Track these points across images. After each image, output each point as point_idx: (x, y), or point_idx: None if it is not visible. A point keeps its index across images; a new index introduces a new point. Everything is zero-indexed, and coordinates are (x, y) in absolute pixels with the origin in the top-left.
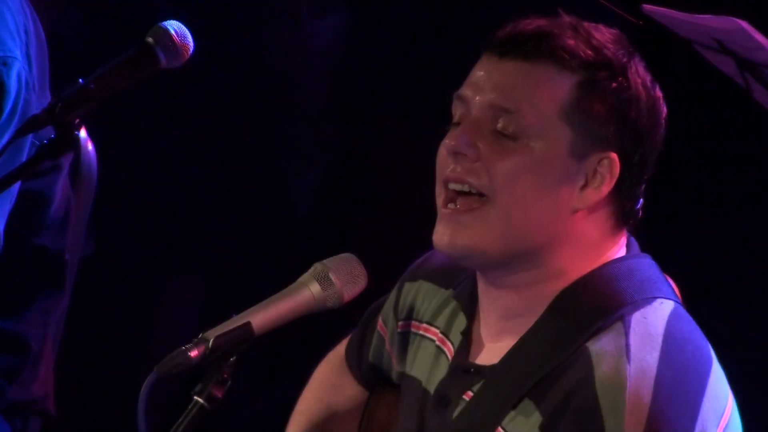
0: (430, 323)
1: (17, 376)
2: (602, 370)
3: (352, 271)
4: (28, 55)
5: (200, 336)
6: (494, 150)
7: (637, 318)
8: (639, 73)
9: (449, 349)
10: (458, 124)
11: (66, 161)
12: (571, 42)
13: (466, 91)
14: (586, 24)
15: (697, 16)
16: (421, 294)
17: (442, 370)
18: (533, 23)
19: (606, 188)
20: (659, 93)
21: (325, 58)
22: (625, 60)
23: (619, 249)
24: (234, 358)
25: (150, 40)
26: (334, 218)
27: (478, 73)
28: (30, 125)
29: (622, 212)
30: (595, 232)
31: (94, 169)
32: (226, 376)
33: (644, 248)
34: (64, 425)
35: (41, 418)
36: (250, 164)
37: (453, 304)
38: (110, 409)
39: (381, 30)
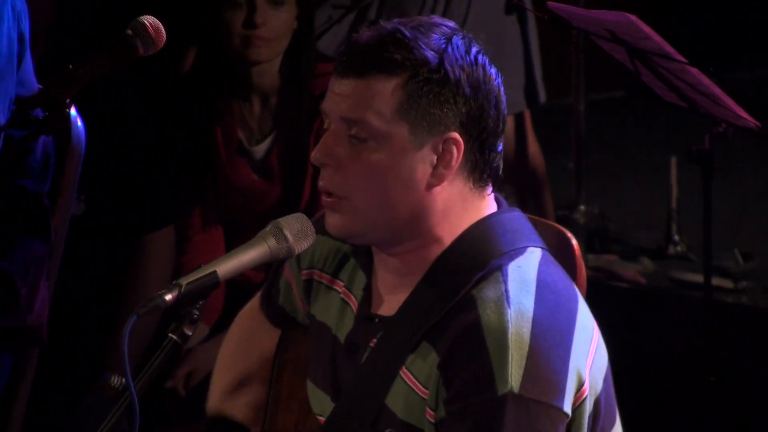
0: (334, 276)
1: (8, 307)
2: (487, 314)
3: (303, 228)
4: None
5: (174, 282)
6: (350, 154)
7: (512, 267)
8: (459, 56)
9: (353, 302)
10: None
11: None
12: (391, 51)
13: (324, 106)
14: (405, 27)
15: (593, 11)
16: (318, 246)
17: (349, 320)
18: (363, 41)
19: (455, 164)
20: (481, 60)
21: (273, 46)
22: (442, 47)
23: (488, 206)
24: (203, 301)
25: (129, 32)
26: (289, 179)
27: (331, 90)
28: (31, 101)
29: (479, 175)
30: (456, 198)
31: (82, 142)
32: (196, 316)
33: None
34: (58, 355)
35: (38, 347)
36: (210, 134)
37: (352, 261)
38: (97, 344)
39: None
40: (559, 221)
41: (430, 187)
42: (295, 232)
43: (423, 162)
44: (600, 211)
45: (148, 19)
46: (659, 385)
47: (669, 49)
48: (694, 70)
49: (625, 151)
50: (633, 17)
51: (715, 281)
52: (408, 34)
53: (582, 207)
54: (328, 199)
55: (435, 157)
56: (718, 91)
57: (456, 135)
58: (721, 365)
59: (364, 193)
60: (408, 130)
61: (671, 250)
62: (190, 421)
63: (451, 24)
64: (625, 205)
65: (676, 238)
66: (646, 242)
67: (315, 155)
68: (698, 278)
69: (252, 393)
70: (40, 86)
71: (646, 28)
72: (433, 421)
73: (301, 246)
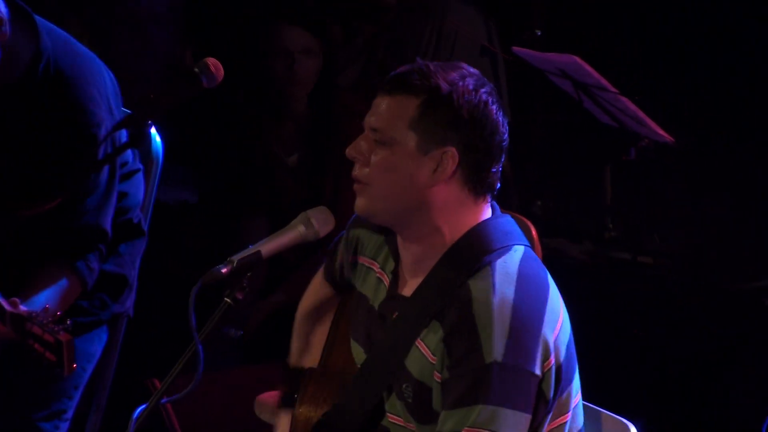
0: (373, 259)
1: (119, 297)
2: (478, 300)
3: (326, 218)
4: (109, 107)
5: (228, 259)
6: (373, 153)
7: (500, 263)
8: (465, 90)
9: (386, 280)
10: None
11: (138, 164)
12: (416, 78)
13: (366, 117)
14: (434, 65)
15: (547, 54)
16: (362, 238)
17: (382, 294)
18: (400, 70)
19: (449, 170)
20: (487, 98)
21: (305, 85)
22: (456, 83)
23: (484, 212)
24: (250, 273)
25: (196, 70)
26: (314, 182)
27: (372, 106)
28: (119, 125)
29: (474, 184)
30: (453, 199)
31: (160, 154)
32: (245, 284)
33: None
34: (139, 321)
35: (126, 319)
36: (257, 147)
37: (386, 248)
38: (169, 309)
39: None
40: (521, 213)
41: (428, 186)
42: (320, 220)
43: (425, 166)
44: (552, 205)
45: (210, 60)
46: (596, 337)
47: (605, 82)
48: (624, 99)
49: (571, 160)
50: (577, 59)
51: (640, 258)
52: (432, 68)
53: (539, 202)
54: (357, 186)
55: (435, 164)
56: (641, 114)
57: (453, 150)
58: (643, 321)
59: (380, 182)
60: (416, 140)
61: (606, 235)
62: (244, 363)
63: (474, 71)
64: (571, 200)
65: (610, 226)
66: (587, 229)
67: (349, 151)
68: (626, 256)
69: (315, 349)
70: (127, 111)
71: (588, 67)
72: (439, 381)
73: (324, 231)
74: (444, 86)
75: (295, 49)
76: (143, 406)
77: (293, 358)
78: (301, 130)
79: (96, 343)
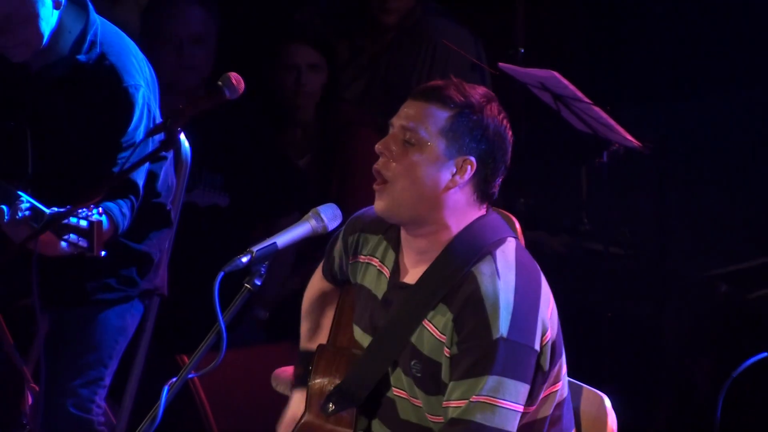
0: (372, 255)
1: (146, 274)
2: (485, 285)
3: (334, 213)
4: (147, 80)
5: (248, 249)
6: (401, 152)
7: (499, 252)
8: (492, 112)
9: (386, 271)
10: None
11: (170, 154)
12: (451, 92)
13: (393, 119)
14: (467, 84)
15: (529, 69)
16: (361, 240)
17: (383, 284)
18: (434, 82)
19: (467, 177)
20: (506, 123)
21: (312, 96)
22: (483, 103)
23: (481, 212)
24: (268, 262)
25: (220, 83)
26: (321, 182)
27: (402, 108)
28: (153, 131)
29: (481, 192)
30: (463, 201)
31: (188, 157)
32: (263, 272)
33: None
34: (171, 302)
35: (160, 298)
36: (271, 151)
37: (384, 243)
38: (199, 292)
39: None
40: (506, 209)
41: (446, 188)
42: (328, 216)
43: (447, 170)
44: (534, 202)
45: (233, 74)
46: (573, 319)
47: (580, 94)
48: (597, 109)
49: (551, 163)
50: (556, 73)
51: (611, 250)
52: (466, 87)
53: (522, 200)
54: (379, 185)
55: (455, 169)
56: (612, 122)
57: (473, 159)
58: (615, 306)
59: (402, 180)
60: (444, 146)
61: (582, 228)
62: (265, 341)
63: (493, 95)
64: (550, 198)
65: (585, 220)
66: (564, 223)
67: (378, 146)
68: (599, 247)
69: (322, 332)
70: (161, 119)
71: (565, 81)
72: (448, 356)
73: (332, 225)
74: (477, 104)
75: (302, 64)
76: (174, 379)
77: (303, 342)
78: (308, 136)
79: (127, 318)
